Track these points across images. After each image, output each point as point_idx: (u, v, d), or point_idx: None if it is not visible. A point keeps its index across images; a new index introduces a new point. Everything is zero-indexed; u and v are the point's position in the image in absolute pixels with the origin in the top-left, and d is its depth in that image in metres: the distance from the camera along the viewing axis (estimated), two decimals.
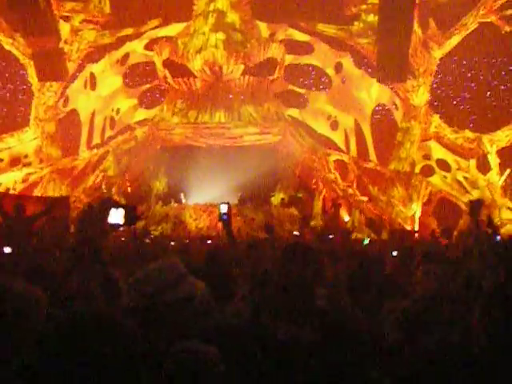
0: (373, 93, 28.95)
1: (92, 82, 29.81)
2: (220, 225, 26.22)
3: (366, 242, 18.83)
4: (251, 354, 3.88)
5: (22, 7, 23.63)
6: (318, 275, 5.21)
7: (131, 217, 6.81)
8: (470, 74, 31.97)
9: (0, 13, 26.53)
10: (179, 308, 3.67)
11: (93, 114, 29.75)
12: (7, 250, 11.29)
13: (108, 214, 6.51)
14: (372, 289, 5.83)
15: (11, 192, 25.97)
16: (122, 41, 29.71)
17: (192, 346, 3.43)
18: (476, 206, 7.76)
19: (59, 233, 15.91)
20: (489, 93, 32.14)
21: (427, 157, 27.52)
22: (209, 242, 18.85)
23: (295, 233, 23.24)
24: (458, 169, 26.85)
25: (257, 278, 5.03)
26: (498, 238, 8.77)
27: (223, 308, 4.92)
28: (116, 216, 6.67)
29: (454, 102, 31.39)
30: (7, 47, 27.46)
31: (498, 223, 24.91)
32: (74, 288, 5.53)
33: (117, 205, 6.89)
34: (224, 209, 7.43)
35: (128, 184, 29.24)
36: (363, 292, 5.69)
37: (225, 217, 7.07)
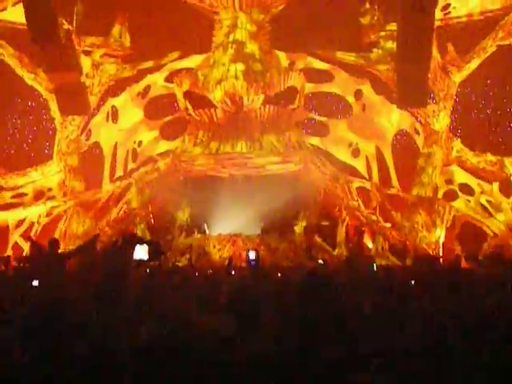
0: (393, 119, 28.95)
1: (114, 115, 30.06)
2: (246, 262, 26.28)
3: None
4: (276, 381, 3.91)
5: (43, 43, 23.88)
6: (336, 306, 5.21)
7: (155, 252, 6.88)
8: (489, 98, 31.87)
9: (23, 49, 26.94)
10: (194, 346, 3.71)
11: (115, 147, 29.95)
12: (35, 283, 11.36)
13: (133, 250, 6.59)
14: (396, 318, 5.80)
15: (35, 228, 26.33)
16: (142, 74, 30.00)
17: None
18: None
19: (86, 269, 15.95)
20: (509, 115, 31.98)
21: (450, 181, 27.42)
22: (233, 272, 18.77)
23: (320, 261, 23.23)
24: (481, 192, 26.72)
25: (280, 310, 5.05)
26: None
27: (248, 338, 4.93)
28: (140, 252, 6.75)
29: (475, 126, 31.26)
30: (29, 82, 27.80)
31: None
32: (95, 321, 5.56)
33: (141, 241, 6.95)
34: (252, 256, 7.60)
35: (151, 216, 29.32)
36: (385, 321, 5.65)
37: (253, 263, 7.21)
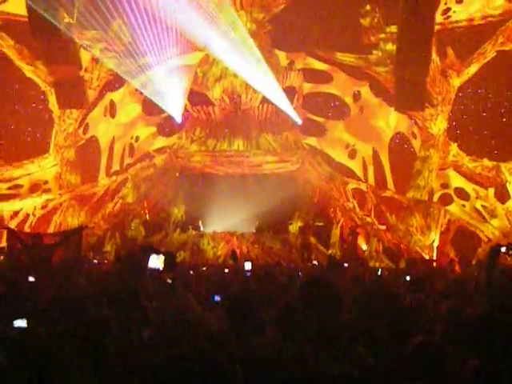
0: (391, 121, 28.96)
1: (112, 110, 30.00)
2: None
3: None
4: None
5: (44, 36, 23.92)
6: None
7: (170, 263, 7.11)
8: (488, 103, 31.90)
9: (23, 41, 26.87)
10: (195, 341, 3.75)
11: (112, 142, 29.92)
12: (31, 278, 11.33)
13: (148, 259, 6.80)
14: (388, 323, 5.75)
15: (30, 220, 26.34)
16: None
17: None
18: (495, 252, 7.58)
19: (72, 259, 15.87)
20: (507, 121, 32.03)
21: (445, 185, 27.45)
22: (226, 270, 18.71)
23: (314, 262, 23.23)
24: (476, 197, 26.75)
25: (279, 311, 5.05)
26: None
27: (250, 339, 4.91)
28: (156, 261, 6.98)
29: (473, 131, 31.28)
30: (29, 74, 27.72)
31: None
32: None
33: (157, 251, 7.20)
34: (248, 266, 7.80)
35: (146, 211, 29.34)
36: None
37: (248, 274, 7.38)
